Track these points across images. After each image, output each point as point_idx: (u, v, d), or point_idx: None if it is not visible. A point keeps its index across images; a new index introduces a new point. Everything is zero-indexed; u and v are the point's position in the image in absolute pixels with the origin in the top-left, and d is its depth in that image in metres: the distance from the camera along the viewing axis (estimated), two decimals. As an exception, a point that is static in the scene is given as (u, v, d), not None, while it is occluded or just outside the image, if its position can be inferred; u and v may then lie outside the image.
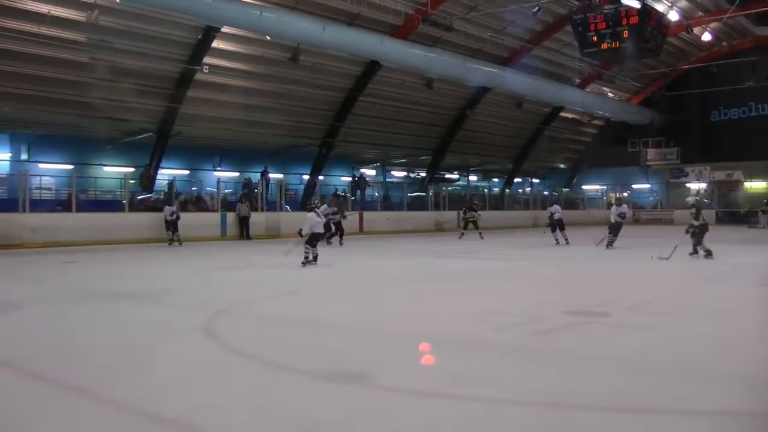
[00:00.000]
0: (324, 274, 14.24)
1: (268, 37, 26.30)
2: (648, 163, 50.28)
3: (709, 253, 16.91)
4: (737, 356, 6.83)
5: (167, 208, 23.33)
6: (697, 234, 17.19)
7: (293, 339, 7.49)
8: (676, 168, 49.77)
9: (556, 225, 22.79)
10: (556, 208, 23.36)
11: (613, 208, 21.88)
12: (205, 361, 6.40)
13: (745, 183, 47.46)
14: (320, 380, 5.73)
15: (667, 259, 16.10)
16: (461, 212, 28.90)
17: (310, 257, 15.14)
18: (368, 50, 28.94)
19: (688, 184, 50.05)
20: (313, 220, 15.27)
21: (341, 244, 22.85)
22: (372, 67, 31.83)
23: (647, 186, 51.78)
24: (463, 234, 26.84)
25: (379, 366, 6.23)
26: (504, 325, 8.19)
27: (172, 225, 23.08)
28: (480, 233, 26.33)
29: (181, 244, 22.98)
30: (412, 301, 10.72)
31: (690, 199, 18.94)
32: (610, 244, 20.59)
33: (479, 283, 13.22)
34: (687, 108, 46.69)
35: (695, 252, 17.21)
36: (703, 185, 49.24)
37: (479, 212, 28.30)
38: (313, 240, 15.23)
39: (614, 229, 20.89)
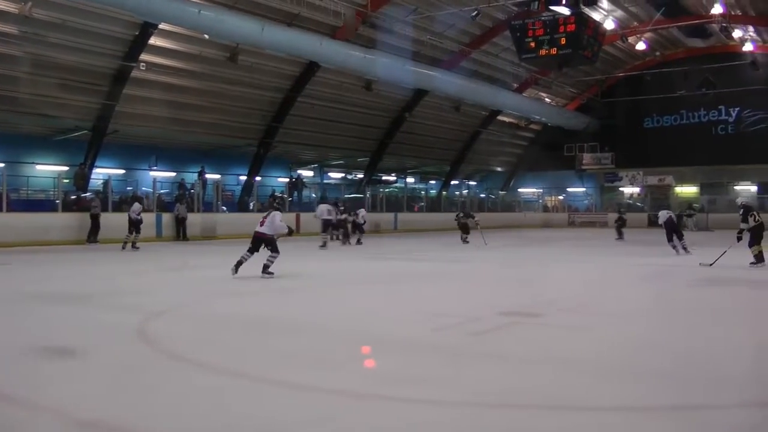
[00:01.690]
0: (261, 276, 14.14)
1: (206, 36, 26.43)
2: (583, 167, 52.03)
3: (759, 258, 16.09)
4: (663, 353, 7.16)
5: (137, 206, 22.54)
6: (755, 234, 16.24)
7: (231, 341, 7.57)
8: (610, 172, 51.67)
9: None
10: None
11: None
12: (140, 365, 6.40)
13: (676, 187, 49.72)
14: (260, 383, 5.83)
15: (711, 265, 15.75)
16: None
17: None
18: (307, 51, 29.16)
19: (621, 188, 51.93)
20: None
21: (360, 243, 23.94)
22: (311, 68, 32.10)
23: (582, 189, 53.35)
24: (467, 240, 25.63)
25: (320, 368, 6.31)
26: (442, 326, 8.39)
27: (134, 226, 21.76)
28: (466, 239, 25.64)
29: (137, 248, 21.73)
30: (351, 302, 10.97)
31: (739, 200, 18.10)
32: None
33: (418, 285, 13.42)
34: (621, 114, 48.45)
35: (759, 260, 16.05)
36: (636, 189, 51.03)
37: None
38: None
39: None
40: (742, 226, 16.44)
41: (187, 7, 23.93)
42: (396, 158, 43.22)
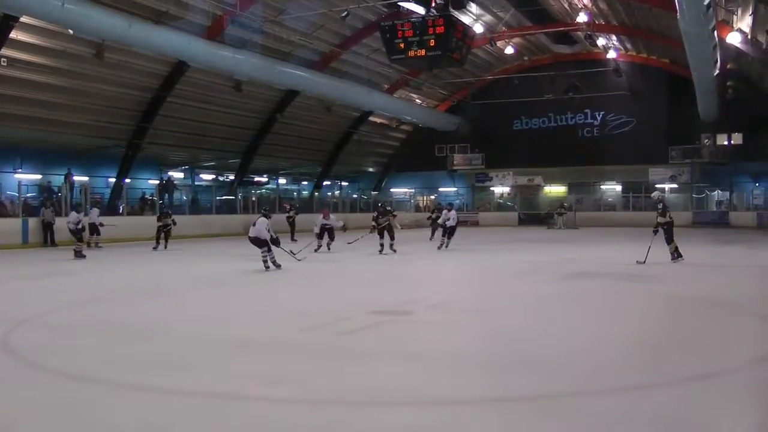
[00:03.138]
0: (129, 280, 14.16)
1: (70, 31, 25.83)
2: (454, 167, 53.79)
3: (677, 253, 17.22)
4: (528, 345, 7.63)
5: (73, 215, 21.87)
6: (670, 230, 17.27)
7: (97, 347, 7.58)
8: (481, 172, 53.65)
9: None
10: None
11: (451, 213, 23.45)
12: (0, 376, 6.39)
13: (545, 187, 52.39)
14: (124, 389, 5.88)
15: (643, 263, 16.55)
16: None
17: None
18: (175, 50, 28.99)
19: (492, 188, 54.00)
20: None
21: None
22: (180, 67, 31.88)
23: (454, 189, 55.09)
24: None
25: (185, 370, 6.44)
26: (310, 327, 8.64)
27: (76, 234, 21.39)
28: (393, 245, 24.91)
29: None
30: (219, 304, 11.08)
31: (655, 194, 18.86)
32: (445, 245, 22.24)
33: (288, 285, 13.68)
34: (491, 116, 50.28)
35: (678, 255, 17.21)
36: (506, 189, 53.22)
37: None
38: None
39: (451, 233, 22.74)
40: (660, 220, 17.29)
41: (50, 0, 23.21)
42: (268, 159, 43.38)
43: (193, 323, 9.17)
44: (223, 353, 7.27)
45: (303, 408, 5.40)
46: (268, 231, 15.82)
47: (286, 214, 30.02)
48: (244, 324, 9.11)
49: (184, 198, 37.35)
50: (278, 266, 15.97)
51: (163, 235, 24.45)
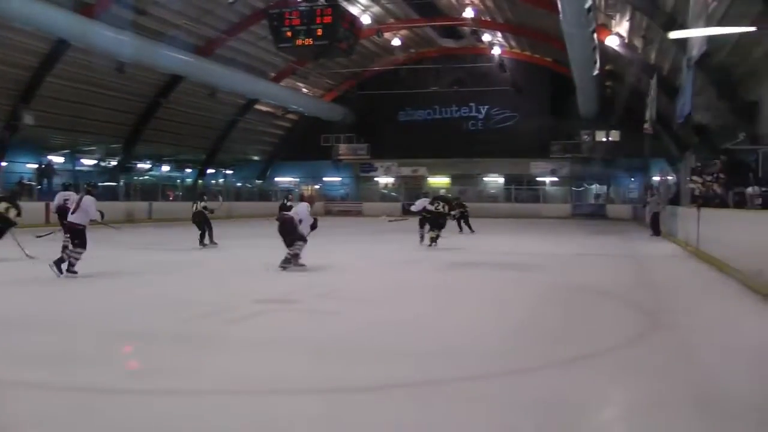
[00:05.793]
0: (12, 270, 13.47)
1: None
2: (339, 157, 54.84)
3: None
4: (408, 333, 7.75)
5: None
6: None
7: None
8: (366, 163, 54.82)
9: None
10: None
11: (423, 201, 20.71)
12: None
13: (428, 178, 53.80)
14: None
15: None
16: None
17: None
18: (56, 27, 28.30)
19: (376, 178, 55.18)
20: None
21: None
22: (60, 46, 31.23)
23: (338, 179, 56.09)
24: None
25: (65, 363, 6.26)
26: (195, 316, 8.55)
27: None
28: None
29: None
30: (102, 295, 10.65)
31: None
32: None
33: (172, 275, 13.36)
34: (377, 107, 51.42)
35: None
36: (390, 180, 54.31)
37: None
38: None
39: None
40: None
41: None
42: (151, 145, 42.90)
43: (72, 316, 8.82)
44: (105, 345, 7.06)
45: (187, 398, 5.34)
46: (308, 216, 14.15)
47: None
48: (126, 315, 8.82)
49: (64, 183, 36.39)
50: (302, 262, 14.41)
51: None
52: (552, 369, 6.29)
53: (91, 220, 12.86)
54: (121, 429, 4.63)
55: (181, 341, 7.27)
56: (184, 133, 44.70)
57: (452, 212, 20.54)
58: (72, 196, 15.35)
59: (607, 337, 7.77)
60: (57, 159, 38.60)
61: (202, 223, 19.41)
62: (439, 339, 7.48)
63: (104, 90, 36.02)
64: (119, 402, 5.21)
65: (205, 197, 20.61)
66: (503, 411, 5.11)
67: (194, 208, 19.63)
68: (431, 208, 20.09)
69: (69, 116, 35.77)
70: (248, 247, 20.26)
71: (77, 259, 12.36)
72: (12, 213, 14.89)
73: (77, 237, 12.49)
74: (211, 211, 19.78)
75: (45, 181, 33.85)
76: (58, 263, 12.12)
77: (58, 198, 16.42)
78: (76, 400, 5.25)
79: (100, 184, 35.76)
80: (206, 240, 19.34)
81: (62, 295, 10.62)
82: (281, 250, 13.72)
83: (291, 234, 13.83)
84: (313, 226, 14.33)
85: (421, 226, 20.63)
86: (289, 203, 20.46)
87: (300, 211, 14.11)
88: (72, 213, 12.69)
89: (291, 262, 13.68)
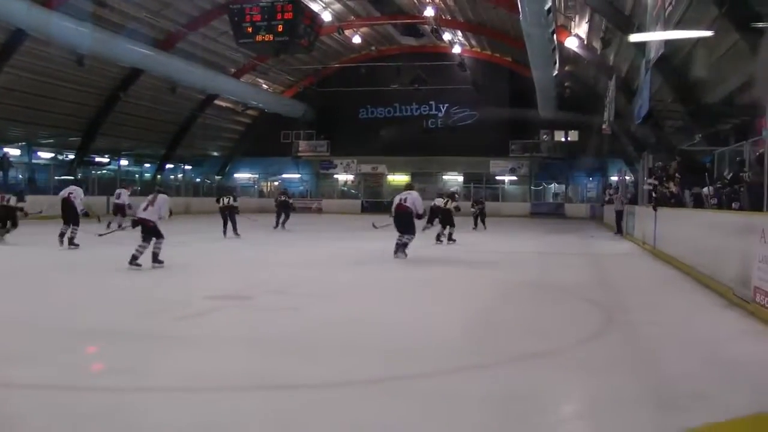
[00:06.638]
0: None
1: None
2: (299, 154, 54.93)
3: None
4: (367, 329, 7.78)
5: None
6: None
7: None
8: (325, 160, 54.99)
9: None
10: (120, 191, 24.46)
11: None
12: None
13: (388, 176, 54.18)
14: None
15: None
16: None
17: None
18: (13, 16, 27.97)
19: (336, 175, 55.47)
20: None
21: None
22: (18, 36, 30.78)
23: (298, 176, 56.08)
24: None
25: (13, 361, 6.13)
26: (146, 313, 8.46)
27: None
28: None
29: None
30: (57, 293, 10.31)
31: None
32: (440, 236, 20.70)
33: (121, 271, 12.58)
34: (337, 104, 51.64)
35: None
36: (350, 177, 54.57)
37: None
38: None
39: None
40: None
41: None
42: (110, 139, 42.60)
43: (21, 313, 8.54)
44: (54, 343, 6.92)
45: (139, 395, 5.29)
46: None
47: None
48: (75, 312, 8.64)
49: (20, 177, 36.15)
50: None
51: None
52: (509, 365, 6.39)
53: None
54: (66, 426, 4.61)
55: (131, 338, 7.12)
56: (143, 128, 44.47)
57: (452, 206, 20.58)
58: (76, 190, 17.42)
59: (565, 333, 7.90)
60: (13, 151, 38.25)
61: (227, 216, 21.55)
62: (397, 335, 7.52)
63: (63, 82, 35.74)
64: (70, 399, 5.16)
65: (235, 193, 23.75)
66: (460, 406, 5.10)
67: (222, 203, 21.95)
68: (440, 204, 21.02)
69: (26, 108, 35.43)
70: (205, 242, 20.14)
71: (159, 249, 13.10)
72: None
73: (152, 232, 13.00)
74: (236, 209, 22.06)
75: (0, 174, 33.46)
76: (132, 260, 12.64)
77: (64, 192, 17.55)
78: (28, 397, 5.18)
79: (57, 177, 35.64)
80: (230, 232, 21.44)
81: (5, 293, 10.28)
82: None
83: (407, 227, 15.46)
84: (419, 216, 15.81)
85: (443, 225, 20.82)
86: (291, 201, 21.99)
87: (415, 200, 15.63)
88: (144, 210, 13.07)
89: (403, 250, 15.34)
